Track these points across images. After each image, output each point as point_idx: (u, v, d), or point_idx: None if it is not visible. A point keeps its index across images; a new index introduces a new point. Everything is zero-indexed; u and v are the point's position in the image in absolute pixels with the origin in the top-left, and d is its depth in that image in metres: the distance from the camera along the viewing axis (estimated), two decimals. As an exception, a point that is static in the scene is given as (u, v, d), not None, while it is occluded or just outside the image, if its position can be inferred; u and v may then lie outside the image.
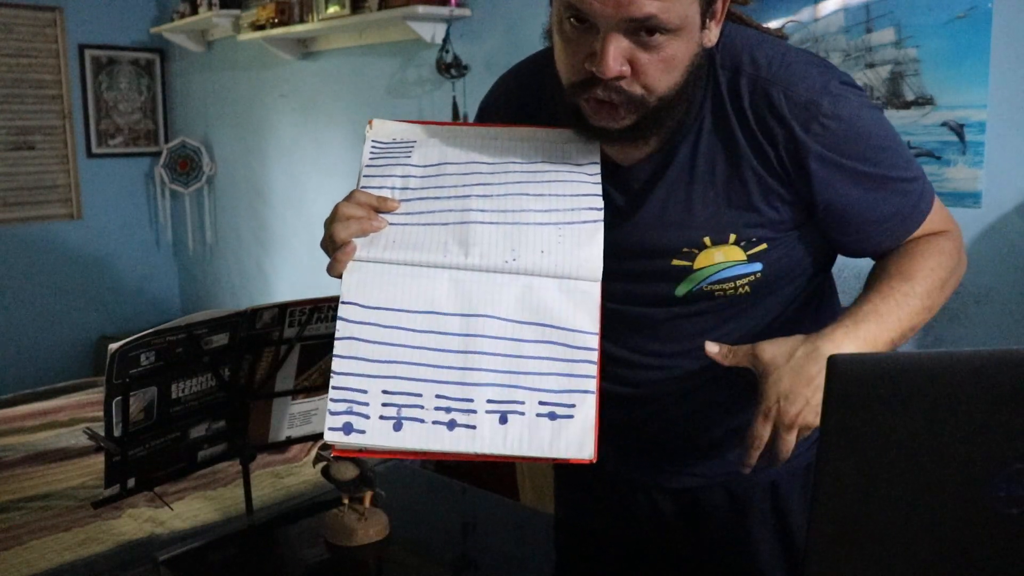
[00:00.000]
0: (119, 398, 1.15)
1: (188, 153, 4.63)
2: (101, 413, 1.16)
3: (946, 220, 1.13)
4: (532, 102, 1.16)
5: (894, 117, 2.17)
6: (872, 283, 1.08)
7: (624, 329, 1.14)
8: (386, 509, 1.28)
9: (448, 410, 0.94)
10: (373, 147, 1.10)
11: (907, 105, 2.16)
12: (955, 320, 2.14)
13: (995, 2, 2.00)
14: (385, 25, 3.38)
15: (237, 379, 1.31)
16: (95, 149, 4.58)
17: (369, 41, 3.60)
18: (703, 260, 1.08)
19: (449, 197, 1.03)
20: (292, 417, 1.40)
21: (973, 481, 0.71)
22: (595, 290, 0.98)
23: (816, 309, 1.19)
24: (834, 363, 0.71)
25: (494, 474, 2.49)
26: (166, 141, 4.76)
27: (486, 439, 0.93)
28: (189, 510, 1.96)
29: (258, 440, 1.38)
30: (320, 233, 1.03)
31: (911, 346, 1.68)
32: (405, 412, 0.94)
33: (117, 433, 1.17)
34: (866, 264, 1.15)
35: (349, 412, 0.94)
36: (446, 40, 3.18)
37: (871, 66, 2.20)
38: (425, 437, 0.93)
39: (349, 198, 1.03)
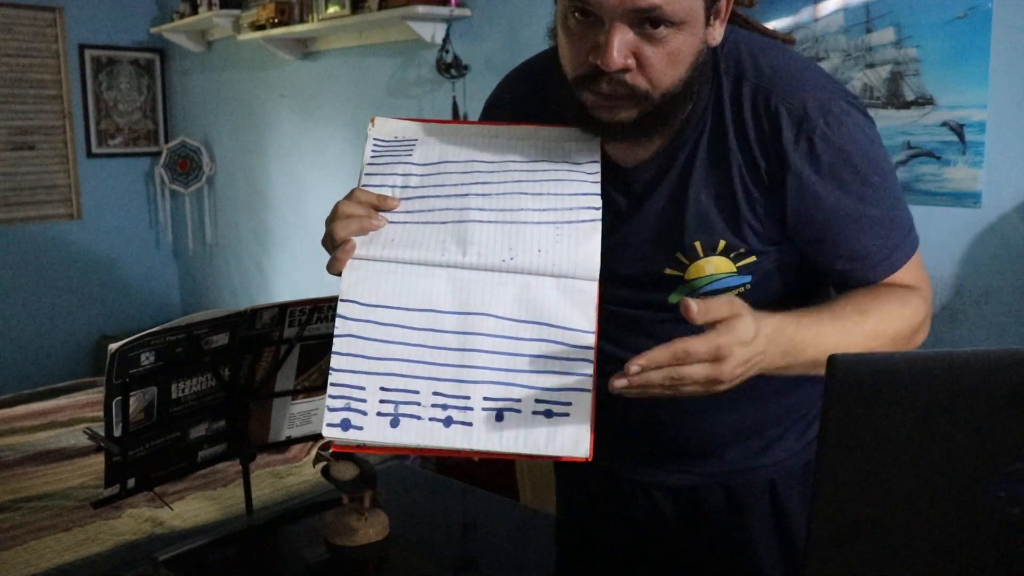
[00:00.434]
0: (119, 398, 1.15)
1: (188, 153, 4.63)
2: (101, 413, 1.16)
3: (920, 279, 1.09)
4: (536, 101, 1.16)
5: (894, 117, 2.17)
6: (827, 303, 1.05)
7: (621, 330, 1.14)
8: (386, 509, 1.28)
9: (445, 407, 0.94)
10: (375, 145, 1.10)
11: (907, 105, 2.16)
12: (955, 320, 2.14)
13: (995, 2, 2.00)
14: (385, 25, 3.38)
15: (237, 379, 1.31)
16: (95, 149, 4.58)
17: (369, 41, 3.60)
18: (694, 272, 1.09)
19: (448, 196, 1.04)
20: (292, 417, 1.40)
21: (973, 481, 0.70)
22: (592, 289, 0.98)
23: None
24: (834, 363, 0.70)
25: (494, 474, 2.48)
26: (166, 141, 4.76)
27: (482, 436, 0.93)
28: (189, 510, 1.96)
29: (258, 440, 1.38)
30: (320, 232, 1.03)
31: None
32: (402, 409, 0.94)
33: (117, 433, 1.16)
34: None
35: (347, 408, 0.94)
36: (446, 40, 3.18)
37: (871, 66, 2.20)
38: (421, 434, 0.93)
39: (349, 196, 1.03)
